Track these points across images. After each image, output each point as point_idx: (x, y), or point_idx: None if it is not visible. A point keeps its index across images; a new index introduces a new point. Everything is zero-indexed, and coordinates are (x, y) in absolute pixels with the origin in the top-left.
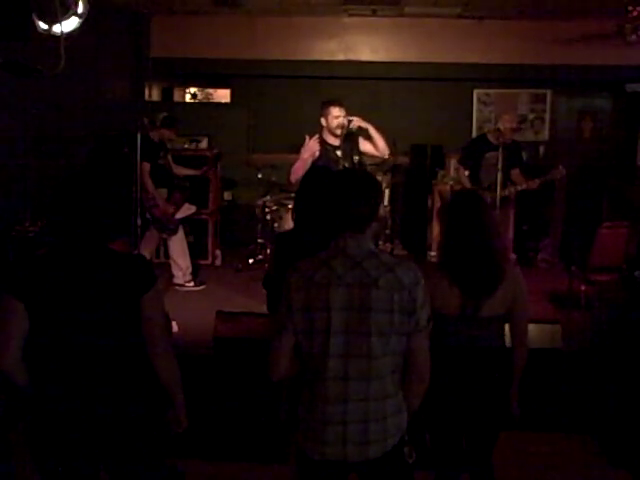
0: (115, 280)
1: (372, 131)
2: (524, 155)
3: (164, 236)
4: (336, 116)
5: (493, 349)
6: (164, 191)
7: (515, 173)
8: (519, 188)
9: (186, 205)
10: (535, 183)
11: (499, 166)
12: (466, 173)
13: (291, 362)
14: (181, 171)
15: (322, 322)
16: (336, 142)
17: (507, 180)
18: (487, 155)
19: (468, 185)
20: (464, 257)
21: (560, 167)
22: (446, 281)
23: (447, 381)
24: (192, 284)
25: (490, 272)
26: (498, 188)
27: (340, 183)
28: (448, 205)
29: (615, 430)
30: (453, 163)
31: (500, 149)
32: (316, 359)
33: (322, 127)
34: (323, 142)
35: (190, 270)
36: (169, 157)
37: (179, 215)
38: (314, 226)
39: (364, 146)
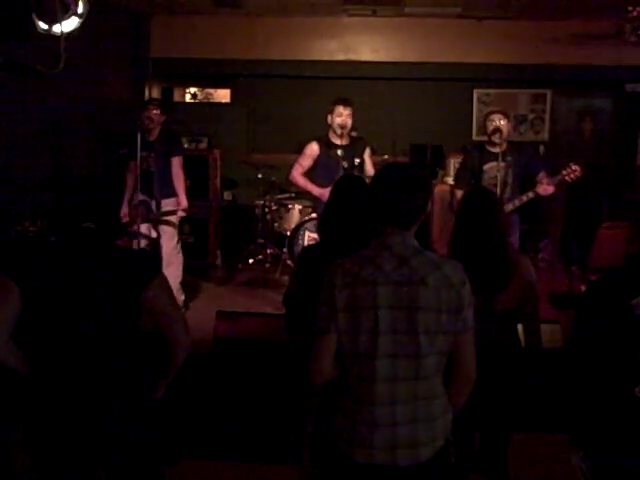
0: (116, 273)
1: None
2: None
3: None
4: (339, 114)
5: (508, 343)
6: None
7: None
8: (523, 200)
9: (146, 225)
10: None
11: (499, 176)
12: (459, 195)
13: (333, 365)
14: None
15: (369, 321)
16: (339, 141)
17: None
18: (485, 167)
19: None
20: (475, 252)
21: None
22: None
23: None
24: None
25: (501, 266)
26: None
27: (387, 177)
28: (460, 202)
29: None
30: (453, 163)
31: (499, 156)
32: (362, 360)
33: (328, 125)
34: (327, 141)
35: (180, 280)
36: (174, 160)
37: (141, 229)
38: (343, 240)
39: (367, 157)
